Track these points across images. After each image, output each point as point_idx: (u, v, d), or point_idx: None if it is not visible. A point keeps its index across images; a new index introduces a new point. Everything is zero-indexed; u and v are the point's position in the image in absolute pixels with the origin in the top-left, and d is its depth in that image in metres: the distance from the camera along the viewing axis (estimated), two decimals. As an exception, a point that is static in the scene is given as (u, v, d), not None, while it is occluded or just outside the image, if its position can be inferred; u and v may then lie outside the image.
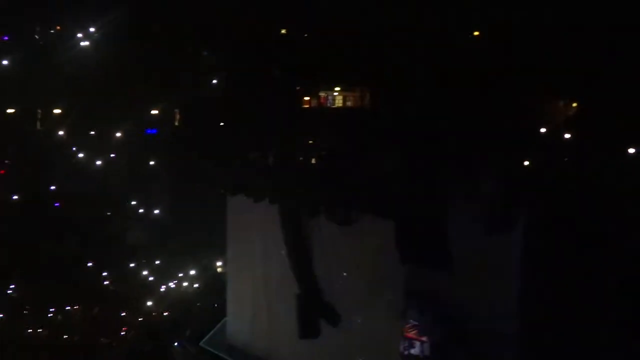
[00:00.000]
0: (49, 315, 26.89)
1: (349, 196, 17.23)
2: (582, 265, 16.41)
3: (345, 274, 20.85)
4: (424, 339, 22.53)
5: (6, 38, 26.46)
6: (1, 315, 26.13)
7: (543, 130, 16.54)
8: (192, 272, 28.95)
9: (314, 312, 16.25)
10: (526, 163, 15.91)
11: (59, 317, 26.97)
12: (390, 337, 20.11)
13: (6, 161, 29.19)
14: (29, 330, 25.57)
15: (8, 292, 27.79)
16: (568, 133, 16.87)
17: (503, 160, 15.65)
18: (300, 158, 18.41)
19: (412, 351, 22.27)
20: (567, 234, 16.49)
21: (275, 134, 18.05)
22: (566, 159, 16.42)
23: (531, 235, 17.83)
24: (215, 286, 27.30)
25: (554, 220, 16.45)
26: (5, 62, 25.64)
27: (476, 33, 17.17)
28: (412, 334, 22.69)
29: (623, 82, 16.01)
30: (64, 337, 25.47)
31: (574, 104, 16.91)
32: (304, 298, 16.52)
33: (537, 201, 16.35)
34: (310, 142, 19.09)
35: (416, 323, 23.04)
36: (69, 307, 27.46)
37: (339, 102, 21.11)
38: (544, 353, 17.72)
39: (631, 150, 15.24)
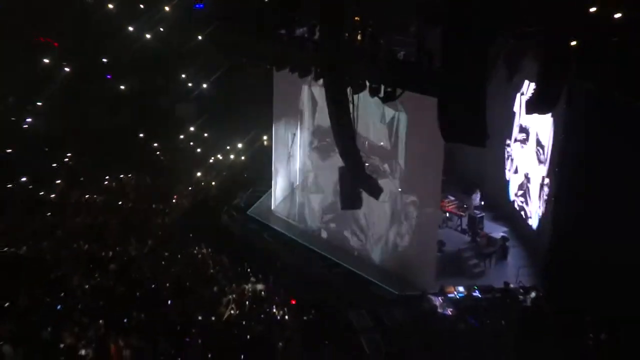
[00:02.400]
0: (104, 182, 27.53)
1: (392, 72, 17.04)
2: (627, 145, 16.26)
3: (387, 149, 21.02)
4: (462, 213, 22.89)
5: None
6: (59, 182, 26.78)
7: (592, 9, 15.91)
8: (239, 145, 29.23)
9: (356, 183, 16.35)
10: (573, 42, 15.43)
11: (114, 184, 27.62)
12: (430, 211, 20.42)
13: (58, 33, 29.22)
14: (86, 196, 26.27)
15: (65, 160, 28.46)
16: (617, 13, 16.21)
17: (549, 38, 15.13)
18: (346, 34, 18.02)
19: (450, 224, 22.69)
20: (614, 114, 16.32)
21: (321, 10, 17.58)
22: (615, 39, 15.93)
23: (578, 115, 17.68)
24: (260, 158, 27.71)
25: (601, 100, 16.23)
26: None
27: None
28: (450, 208, 23.04)
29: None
30: (119, 202, 26.14)
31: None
32: (347, 170, 16.60)
33: (584, 80, 16.07)
34: (356, 18, 18.65)
35: (454, 198, 23.35)
36: (122, 176, 28.03)
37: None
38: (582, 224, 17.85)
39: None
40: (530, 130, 21.42)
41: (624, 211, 16.45)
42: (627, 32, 15.76)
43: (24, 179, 25.83)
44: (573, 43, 15.13)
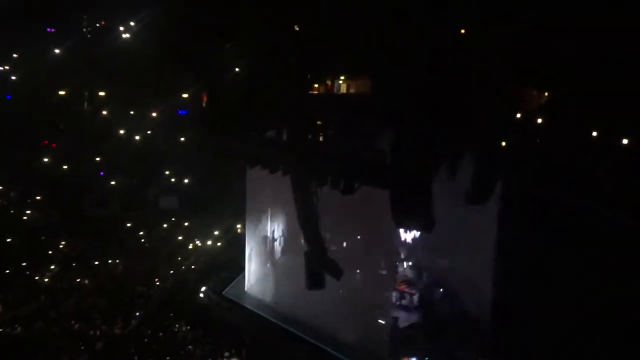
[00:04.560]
0: (94, 267, 26.92)
1: (350, 169, 17.28)
2: (550, 231, 16.57)
3: (347, 235, 21.00)
4: (413, 291, 22.77)
5: (49, 29, 26.78)
6: (53, 267, 26.19)
7: (518, 115, 16.51)
8: (216, 233, 29.04)
9: (319, 267, 16.31)
10: (503, 143, 15.93)
11: (103, 269, 27.01)
12: (384, 290, 20.31)
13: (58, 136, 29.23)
14: (77, 280, 25.64)
15: (59, 247, 27.90)
16: (540, 118, 16.84)
17: (484, 140, 15.60)
18: (310, 136, 18.38)
19: (403, 302, 22.52)
20: (537, 204, 16.67)
21: (288, 115, 17.96)
22: (538, 140, 16.47)
23: (507, 205, 17.99)
24: (235, 244, 27.49)
25: (527, 192, 16.59)
26: (57, 51, 25.66)
27: (462, 31, 16.96)
28: (403, 287, 22.93)
29: (589, 77, 15.97)
30: (107, 285, 25.51)
31: (545, 94, 16.85)
32: (311, 255, 16.58)
33: (512, 175, 16.44)
34: (319, 122, 19.05)
35: (406, 278, 23.28)
36: (110, 261, 27.46)
37: (343, 89, 21.12)
38: (517, 303, 17.98)
39: (594, 134, 15.26)
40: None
41: (551, 294, 16.72)
42: (548, 135, 16.33)
43: (23, 264, 25.22)
44: (503, 144, 15.63)
